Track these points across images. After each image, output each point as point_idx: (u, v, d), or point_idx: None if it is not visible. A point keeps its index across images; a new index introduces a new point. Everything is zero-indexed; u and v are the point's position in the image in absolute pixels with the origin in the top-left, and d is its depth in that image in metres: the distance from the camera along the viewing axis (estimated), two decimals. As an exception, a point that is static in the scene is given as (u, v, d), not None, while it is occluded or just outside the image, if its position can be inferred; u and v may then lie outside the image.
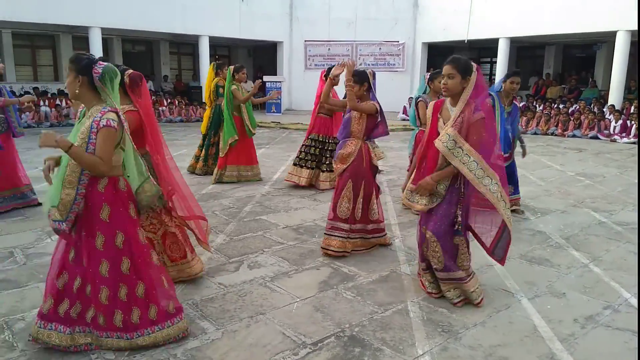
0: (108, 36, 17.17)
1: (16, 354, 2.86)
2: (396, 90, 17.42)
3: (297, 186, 7.01)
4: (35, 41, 16.95)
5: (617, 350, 3.01)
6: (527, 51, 19.79)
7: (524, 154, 6.01)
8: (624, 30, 13.20)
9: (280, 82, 17.66)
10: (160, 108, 16.11)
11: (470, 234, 3.60)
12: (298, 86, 18.73)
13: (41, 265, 4.16)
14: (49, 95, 15.12)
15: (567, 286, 3.88)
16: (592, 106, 14.46)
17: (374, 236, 4.60)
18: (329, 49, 18.71)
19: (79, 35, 16.34)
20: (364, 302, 3.58)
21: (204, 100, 16.82)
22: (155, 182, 3.10)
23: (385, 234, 4.71)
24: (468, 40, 16.83)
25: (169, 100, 17.05)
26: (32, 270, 4.05)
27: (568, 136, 13.46)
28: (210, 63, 7.87)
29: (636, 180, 7.89)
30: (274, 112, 17.41)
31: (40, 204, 5.86)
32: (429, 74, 5.77)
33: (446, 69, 3.28)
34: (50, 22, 13.80)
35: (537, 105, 15.73)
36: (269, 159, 9.59)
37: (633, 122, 12.52)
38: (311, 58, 18.80)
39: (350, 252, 4.43)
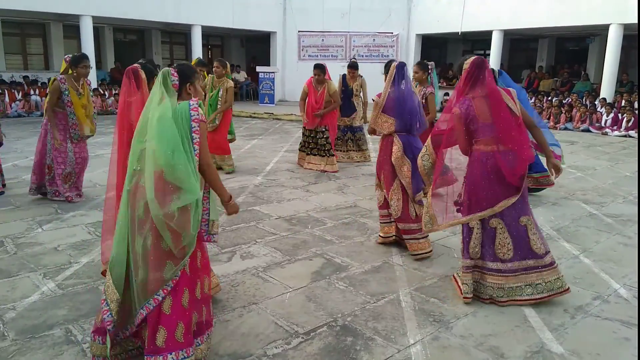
0: (99, 25, 16.95)
1: (7, 344, 2.85)
2: (390, 82, 17.29)
3: (292, 177, 7.15)
4: (25, 29, 16.71)
5: (606, 340, 3.04)
6: (520, 44, 19.82)
7: None
8: (617, 24, 13.23)
9: (273, 72, 17.58)
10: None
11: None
12: (291, 77, 18.63)
13: (32, 254, 4.14)
14: (40, 84, 14.95)
15: (557, 277, 3.91)
16: (584, 99, 14.53)
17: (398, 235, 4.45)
18: (323, 39, 18.62)
19: (70, 24, 16.12)
20: (357, 292, 3.59)
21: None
22: None
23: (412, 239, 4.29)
24: (462, 32, 16.81)
25: (161, 90, 16.95)
26: (22, 260, 4.02)
27: (560, 129, 13.50)
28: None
29: (627, 173, 7.95)
30: (267, 103, 17.34)
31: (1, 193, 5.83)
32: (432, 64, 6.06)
33: None
34: (40, 10, 13.59)
35: (529, 98, 15.77)
36: (262, 150, 9.56)
37: (624, 115, 12.59)
38: (305, 49, 18.71)
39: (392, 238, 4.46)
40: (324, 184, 6.81)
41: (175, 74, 2.64)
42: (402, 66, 4.33)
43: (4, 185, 5.97)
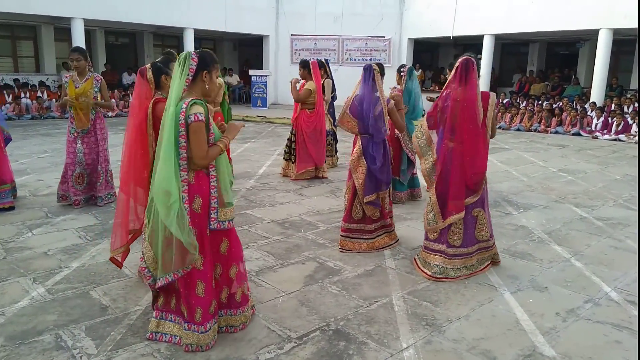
0: (91, 27, 16.88)
1: (-4, 350, 2.82)
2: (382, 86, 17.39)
3: (284, 180, 7.19)
4: (16, 32, 16.60)
5: (597, 343, 3.06)
6: (511, 48, 19.96)
7: None
8: (606, 29, 13.37)
9: (266, 76, 17.58)
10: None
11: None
12: (284, 80, 18.61)
13: (21, 259, 4.10)
14: (30, 87, 14.84)
15: (549, 280, 3.93)
16: (574, 103, 14.65)
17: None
18: (316, 43, 18.66)
19: (61, 27, 16.04)
20: (349, 296, 3.58)
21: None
22: None
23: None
24: (453, 37, 16.91)
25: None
26: (12, 265, 3.98)
27: (551, 133, 13.60)
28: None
29: (617, 176, 8.02)
30: (259, 106, 17.33)
31: (12, 208, 5.44)
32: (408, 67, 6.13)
33: None
34: (31, 12, 13.50)
35: (520, 102, 15.89)
36: (255, 153, 9.55)
37: (614, 119, 12.72)
38: (297, 52, 18.74)
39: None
40: (317, 188, 6.81)
41: (195, 58, 2.72)
42: (367, 68, 4.33)
43: (14, 197, 5.68)
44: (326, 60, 8.06)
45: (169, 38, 20.25)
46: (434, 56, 22.11)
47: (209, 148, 2.71)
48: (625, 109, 13.39)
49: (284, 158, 7.47)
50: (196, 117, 2.65)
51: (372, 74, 4.31)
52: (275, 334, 3.04)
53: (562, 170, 8.51)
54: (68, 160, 5.56)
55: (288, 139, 7.37)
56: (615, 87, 15.68)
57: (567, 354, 2.90)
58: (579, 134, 13.15)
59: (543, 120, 14.02)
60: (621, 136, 12.37)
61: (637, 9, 11.24)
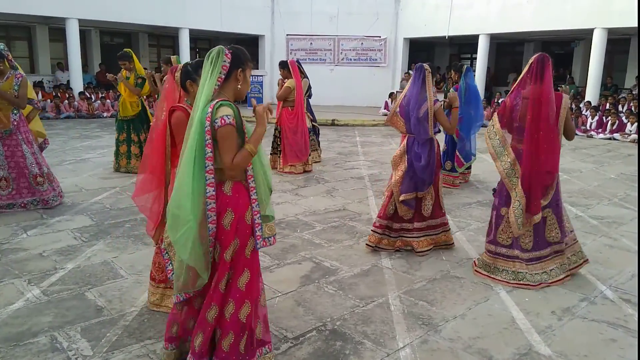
0: (86, 28, 16.81)
1: (-10, 352, 2.80)
2: (378, 86, 17.46)
3: (280, 180, 7.18)
4: (10, 32, 16.51)
5: (593, 341, 3.07)
6: (506, 47, 20.01)
7: None
8: (601, 28, 13.42)
9: (262, 76, 17.55)
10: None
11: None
12: (280, 80, 18.63)
13: (16, 260, 4.08)
14: (25, 87, 14.76)
15: (544, 279, 3.94)
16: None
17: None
18: (311, 43, 18.64)
19: (56, 27, 15.97)
20: (346, 296, 3.58)
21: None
22: None
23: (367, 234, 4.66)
24: (449, 36, 16.94)
25: (148, 94, 16.84)
26: (6, 266, 3.96)
27: (546, 132, 13.63)
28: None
29: (612, 175, 8.05)
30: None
31: None
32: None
33: None
34: (25, 12, 13.43)
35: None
36: (251, 153, 9.52)
37: (609, 118, 12.77)
38: (293, 52, 18.71)
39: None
40: (313, 188, 6.81)
41: (229, 54, 2.44)
42: (418, 68, 4.30)
43: None
44: (298, 60, 8.24)
45: (165, 38, 20.20)
46: (429, 56, 22.11)
47: (236, 154, 2.36)
48: (620, 108, 13.45)
49: (270, 153, 7.87)
50: (223, 121, 2.32)
51: (422, 74, 4.26)
52: (272, 335, 3.03)
53: (557, 169, 8.53)
54: None
55: (273, 135, 7.78)
56: (610, 86, 15.75)
57: (562, 353, 2.91)
58: (574, 133, 13.18)
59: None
60: (616, 135, 12.42)
61: (637, 9, 11.26)
